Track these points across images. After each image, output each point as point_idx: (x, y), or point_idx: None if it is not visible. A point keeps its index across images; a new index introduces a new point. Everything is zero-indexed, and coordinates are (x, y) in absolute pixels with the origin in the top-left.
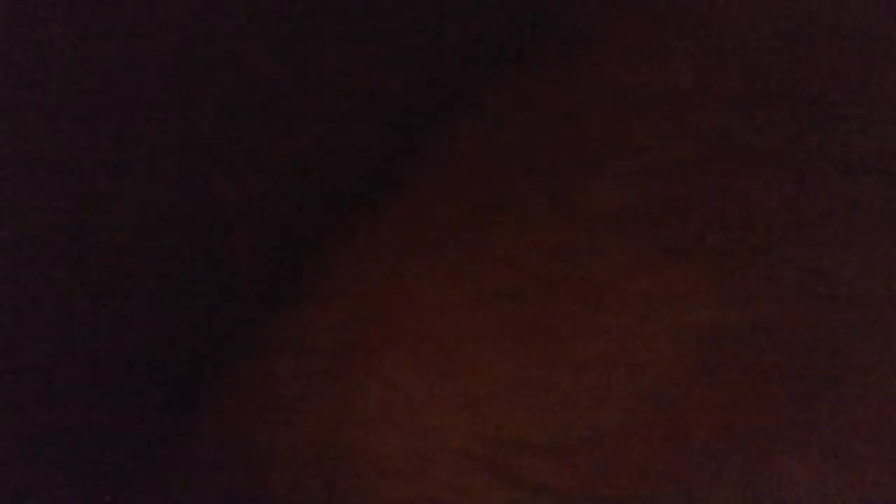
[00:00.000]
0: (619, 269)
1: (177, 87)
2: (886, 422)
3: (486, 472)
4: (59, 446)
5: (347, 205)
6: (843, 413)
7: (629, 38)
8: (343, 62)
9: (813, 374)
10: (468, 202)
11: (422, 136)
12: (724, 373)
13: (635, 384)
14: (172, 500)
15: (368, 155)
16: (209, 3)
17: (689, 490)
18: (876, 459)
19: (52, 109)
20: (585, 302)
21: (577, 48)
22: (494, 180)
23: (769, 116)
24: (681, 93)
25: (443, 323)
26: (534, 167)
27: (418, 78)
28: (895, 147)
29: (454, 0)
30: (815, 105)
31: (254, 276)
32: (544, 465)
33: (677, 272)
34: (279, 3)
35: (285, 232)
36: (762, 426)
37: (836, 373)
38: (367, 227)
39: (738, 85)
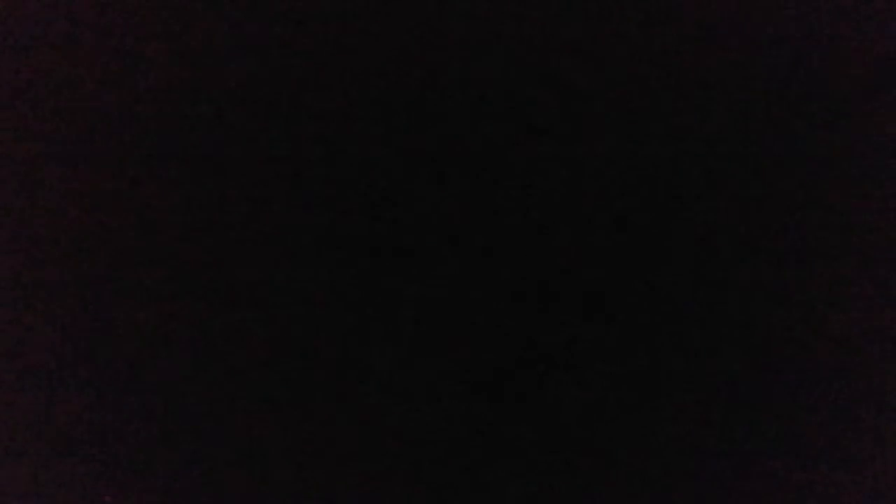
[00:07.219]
0: None
1: (176, 88)
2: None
3: None
4: (59, 446)
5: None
6: None
7: None
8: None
9: None
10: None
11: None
12: None
13: None
14: (172, 499)
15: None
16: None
17: None
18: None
19: (52, 110)
20: None
21: None
22: None
23: None
24: None
25: None
26: None
27: None
28: None
29: None
30: None
31: (253, 276)
32: None
33: None
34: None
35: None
36: None
37: None
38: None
39: None
